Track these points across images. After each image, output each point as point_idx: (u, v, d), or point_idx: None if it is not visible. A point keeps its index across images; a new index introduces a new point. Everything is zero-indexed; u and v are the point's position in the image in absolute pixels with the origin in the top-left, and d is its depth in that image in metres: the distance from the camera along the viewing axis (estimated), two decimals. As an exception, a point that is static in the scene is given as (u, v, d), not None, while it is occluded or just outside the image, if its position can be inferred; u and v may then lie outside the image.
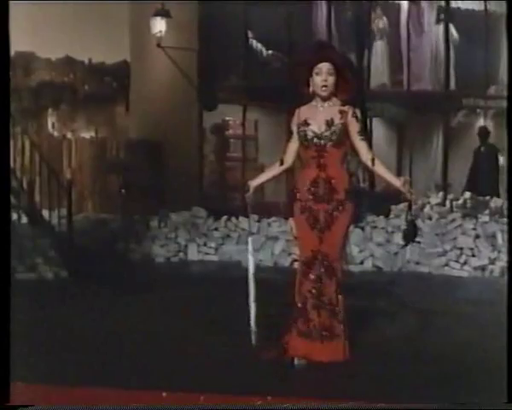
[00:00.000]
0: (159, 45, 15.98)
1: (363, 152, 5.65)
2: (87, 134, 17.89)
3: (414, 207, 12.37)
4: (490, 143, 15.86)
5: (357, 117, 5.68)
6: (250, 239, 6.06)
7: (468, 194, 13.08)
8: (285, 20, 16.84)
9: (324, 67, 5.56)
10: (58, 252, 10.60)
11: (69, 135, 17.58)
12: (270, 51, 17.12)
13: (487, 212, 12.21)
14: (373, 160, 5.63)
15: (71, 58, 19.27)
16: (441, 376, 5.27)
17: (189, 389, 4.78)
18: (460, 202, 12.81)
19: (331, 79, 5.57)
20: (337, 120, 5.58)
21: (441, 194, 13.18)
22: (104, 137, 17.57)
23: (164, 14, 15.88)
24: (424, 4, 18.22)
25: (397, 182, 5.61)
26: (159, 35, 15.92)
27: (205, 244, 11.95)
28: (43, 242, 10.67)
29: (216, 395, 4.68)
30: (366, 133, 5.85)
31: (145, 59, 17.12)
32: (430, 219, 11.70)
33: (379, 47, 17.82)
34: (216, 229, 12.12)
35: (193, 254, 11.88)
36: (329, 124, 5.57)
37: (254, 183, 5.86)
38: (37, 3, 17.71)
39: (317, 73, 5.58)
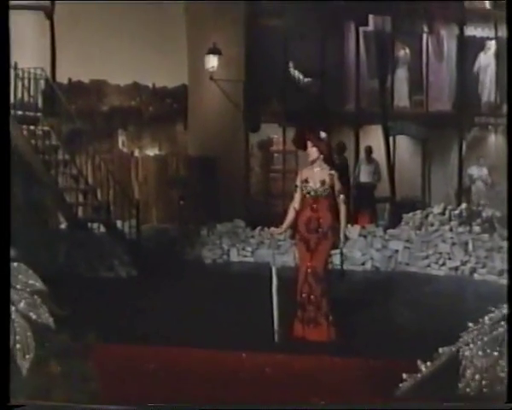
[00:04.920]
0: (211, 78, 18.90)
1: (338, 204, 8.45)
2: (151, 151, 20.85)
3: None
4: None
5: (338, 178, 8.51)
6: (274, 268, 8.51)
7: (464, 205, 15.65)
8: (319, 51, 19.58)
9: (308, 144, 8.46)
10: (129, 255, 13.42)
11: (136, 152, 20.53)
12: (306, 79, 19.77)
13: (479, 221, 14.83)
14: (340, 205, 8.44)
15: (137, 83, 22.21)
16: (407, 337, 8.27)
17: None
18: (457, 211, 15.36)
19: (313, 150, 8.43)
20: (327, 181, 8.43)
21: (442, 205, 15.65)
22: (166, 154, 20.49)
23: (216, 51, 18.79)
24: (444, 33, 20.70)
25: (342, 230, 8.43)
26: (211, 70, 18.85)
27: (243, 249, 14.86)
28: (118, 247, 13.57)
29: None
30: (344, 191, 8.61)
31: (200, 86, 20.11)
32: (428, 227, 14.39)
33: (402, 72, 20.32)
34: (252, 237, 15.05)
35: (234, 256, 14.83)
36: (322, 183, 8.40)
37: (286, 224, 8.52)
38: (108, 36, 20.78)
39: (305, 148, 8.48)
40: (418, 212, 15.65)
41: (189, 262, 14.35)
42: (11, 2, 15.77)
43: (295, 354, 7.65)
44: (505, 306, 5.96)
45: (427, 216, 15.36)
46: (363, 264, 13.74)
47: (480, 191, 19.47)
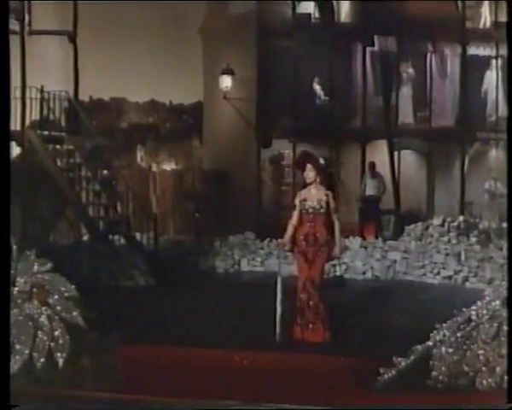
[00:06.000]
0: (225, 97, 20.01)
1: (333, 220, 9.46)
2: (168, 166, 21.96)
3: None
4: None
5: (334, 198, 9.56)
6: (279, 278, 9.53)
7: (461, 218, 16.60)
8: (328, 70, 20.60)
9: (307, 167, 9.49)
10: (148, 265, 14.41)
11: (154, 167, 21.65)
12: (324, 97, 20.73)
13: (476, 232, 15.76)
14: (334, 221, 9.48)
15: (155, 101, 23.34)
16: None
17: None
18: (455, 223, 16.29)
19: (311, 174, 9.45)
20: (324, 200, 9.44)
21: (441, 217, 16.57)
22: (182, 169, 21.57)
23: (229, 72, 19.90)
24: (447, 52, 21.69)
25: (338, 244, 9.46)
26: (225, 89, 19.99)
27: (253, 259, 15.89)
28: (137, 258, 14.57)
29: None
30: (338, 211, 9.62)
31: (215, 104, 21.20)
32: (424, 239, 15.39)
33: (406, 90, 21.32)
34: (261, 248, 16.08)
35: (244, 266, 15.88)
36: (319, 202, 9.43)
37: (286, 237, 9.52)
38: (127, 56, 21.87)
39: (304, 170, 9.52)
40: (419, 224, 16.50)
41: (202, 271, 15.40)
42: (37, 28, 16.85)
43: (294, 354, 8.69)
44: (467, 309, 6.97)
45: (427, 228, 16.28)
46: (363, 273, 14.77)
47: (488, 204, 20.27)
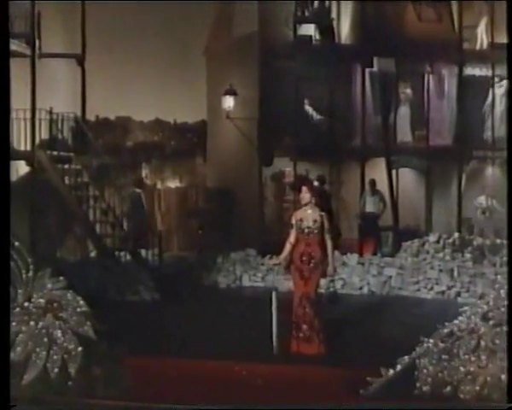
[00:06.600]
0: (228, 117, 20.57)
1: (326, 240, 10.03)
2: (173, 184, 22.48)
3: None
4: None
5: (328, 219, 10.15)
6: (274, 294, 10.26)
7: (456, 234, 17.13)
8: (328, 90, 21.12)
9: (303, 189, 10.09)
10: (152, 280, 14.96)
11: (159, 185, 22.15)
12: (318, 116, 21.26)
13: (470, 249, 16.28)
14: (327, 241, 10.05)
15: (160, 120, 23.84)
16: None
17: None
18: (450, 240, 16.81)
19: (307, 196, 10.04)
20: (319, 220, 10.03)
21: (437, 234, 17.11)
22: (186, 186, 22.11)
23: (232, 92, 20.45)
24: (444, 73, 22.21)
25: (331, 263, 10.07)
26: (227, 109, 20.52)
27: (254, 275, 16.41)
28: (143, 274, 15.13)
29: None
30: (331, 230, 10.22)
31: (218, 123, 21.74)
32: (420, 255, 15.95)
33: (404, 109, 21.81)
34: (262, 264, 16.59)
35: (246, 281, 16.40)
36: (315, 222, 10.01)
37: (283, 256, 10.19)
38: (133, 77, 22.44)
39: (300, 192, 10.13)
40: (416, 240, 17.02)
41: (205, 287, 15.93)
42: (47, 51, 17.47)
43: (290, 365, 9.25)
44: (447, 324, 7.52)
45: (423, 244, 16.80)
46: (360, 288, 15.31)
47: (483, 220, 20.75)
